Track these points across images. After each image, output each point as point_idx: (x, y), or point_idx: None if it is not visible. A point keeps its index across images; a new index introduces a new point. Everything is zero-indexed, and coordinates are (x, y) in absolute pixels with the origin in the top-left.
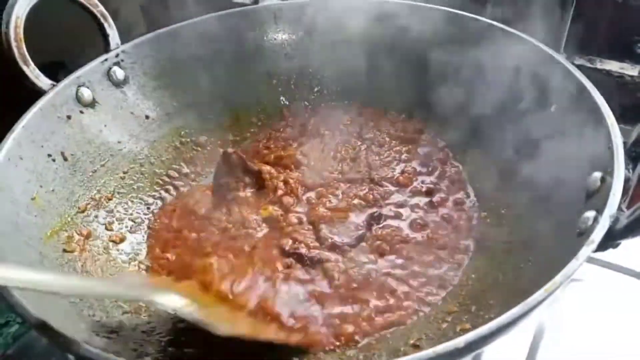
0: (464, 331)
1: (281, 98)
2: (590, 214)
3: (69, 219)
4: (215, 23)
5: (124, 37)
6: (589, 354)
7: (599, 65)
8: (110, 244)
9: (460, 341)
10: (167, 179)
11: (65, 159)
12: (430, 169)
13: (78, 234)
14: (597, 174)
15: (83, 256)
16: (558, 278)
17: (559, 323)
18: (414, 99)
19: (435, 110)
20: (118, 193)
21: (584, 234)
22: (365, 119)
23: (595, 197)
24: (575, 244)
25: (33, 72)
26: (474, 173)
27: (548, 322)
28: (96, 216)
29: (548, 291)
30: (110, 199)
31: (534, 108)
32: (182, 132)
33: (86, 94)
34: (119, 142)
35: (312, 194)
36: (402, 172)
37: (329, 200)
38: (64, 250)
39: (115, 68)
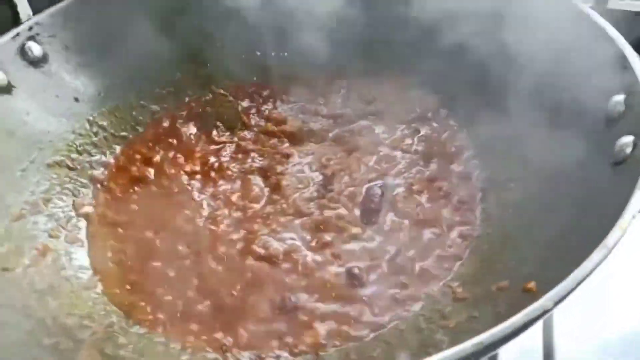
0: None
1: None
2: (626, 139)
3: (2, 230)
4: None
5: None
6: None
7: None
8: (60, 253)
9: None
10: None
11: None
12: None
13: (33, 249)
14: (619, 97)
15: (29, 273)
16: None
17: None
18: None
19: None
20: (55, 192)
21: (623, 162)
22: None
23: (622, 122)
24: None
25: None
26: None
27: None
28: (35, 223)
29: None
30: (48, 200)
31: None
32: (118, 113)
33: None
34: (48, 131)
35: None
36: None
37: None
38: (4, 269)
39: (31, 43)
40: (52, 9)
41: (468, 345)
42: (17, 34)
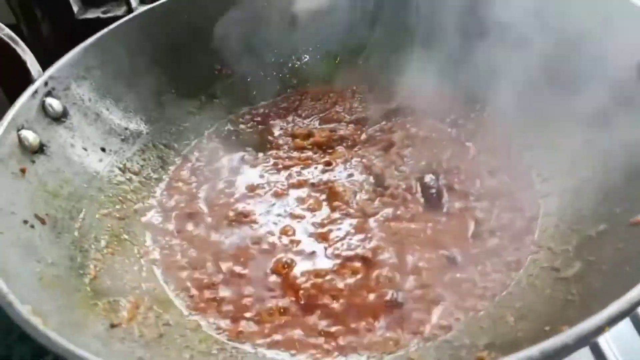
0: None
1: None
2: None
3: (88, 289)
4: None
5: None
6: None
7: None
8: (150, 302)
9: None
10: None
11: (43, 222)
12: None
13: (127, 303)
14: None
15: (132, 324)
16: None
17: None
18: None
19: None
20: (115, 243)
21: None
22: None
23: None
24: None
25: None
26: None
27: None
28: (113, 277)
29: None
30: (113, 254)
31: None
32: (144, 156)
33: (30, 137)
34: (86, 186)
35: None
36: None
37: None
38: (112, 326)
39: (50, 100)
40: (60, 62)
41: None
42: (35, 91)
